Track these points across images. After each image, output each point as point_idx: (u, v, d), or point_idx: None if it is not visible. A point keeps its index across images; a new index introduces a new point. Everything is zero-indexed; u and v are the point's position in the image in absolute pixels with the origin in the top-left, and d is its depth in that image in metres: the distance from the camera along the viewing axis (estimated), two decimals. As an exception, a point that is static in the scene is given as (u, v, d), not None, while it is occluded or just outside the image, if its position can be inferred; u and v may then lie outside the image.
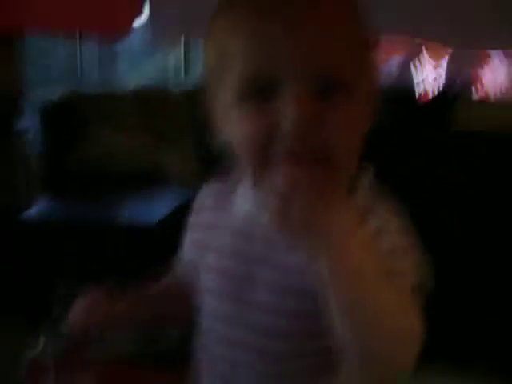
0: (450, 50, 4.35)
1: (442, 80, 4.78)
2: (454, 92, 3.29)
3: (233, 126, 0.72)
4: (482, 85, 4.39)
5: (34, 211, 3.14)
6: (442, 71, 4.74)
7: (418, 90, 5.93)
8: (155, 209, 3.06)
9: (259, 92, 0.68)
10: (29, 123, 4.16)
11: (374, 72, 0.76)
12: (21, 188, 3.68)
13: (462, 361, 2.21)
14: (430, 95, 6.05)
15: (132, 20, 1.62)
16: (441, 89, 4.81)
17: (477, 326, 2.31)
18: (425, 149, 2.44)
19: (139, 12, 1.60)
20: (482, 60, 4.38)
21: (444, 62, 4.72)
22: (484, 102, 3.96)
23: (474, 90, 5.70)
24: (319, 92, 0.67)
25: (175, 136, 4.50)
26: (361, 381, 0.69)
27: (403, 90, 3.82)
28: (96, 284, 0.94)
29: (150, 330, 1.05)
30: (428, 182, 2.42)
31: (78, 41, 4.81)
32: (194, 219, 0.92)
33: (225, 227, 0.84)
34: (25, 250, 2.86)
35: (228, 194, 0.86)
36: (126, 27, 1.64)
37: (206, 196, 0.91)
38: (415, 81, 5.29)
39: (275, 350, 0.78)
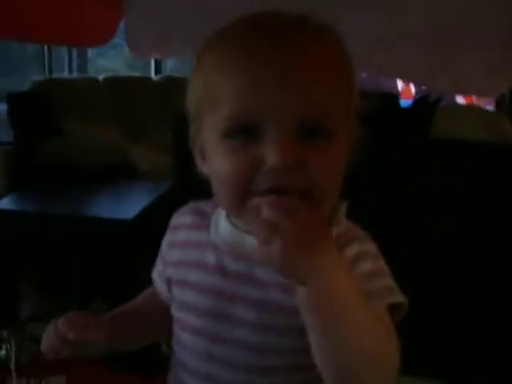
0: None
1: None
2: (436, 96, 3.32)
3: (215, 161, 0.73)
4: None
5: (2, 203, 3.06)
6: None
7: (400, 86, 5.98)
8: (129, 204, 3.01)
9: (244, 131, 0.69)
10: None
11: (355, 117, 0.78)
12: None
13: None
14: (413, 92, 6.09)
15: (111, 31, 1.57)
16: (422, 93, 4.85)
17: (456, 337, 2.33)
18: (405, 155, 2.48)
19: (118, 22, 1.55)
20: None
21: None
22: (468, 107, 4.01)
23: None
24: (303, 135, 0.69)
25: (149, 128, 4.44)
26: None
27: (385, 93, 3.86)
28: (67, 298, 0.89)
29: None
30: (409, 189, 2.45)
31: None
32: (170, 237, 0.91)
33: (207, 245, 0.83)
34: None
35: (207, 215, 0.86)
36: (103, 38, 1.59)
37: (182, 215, 0.91)
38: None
39: (259, 367, 0.78)
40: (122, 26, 1.62)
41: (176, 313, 0.86)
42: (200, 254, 0.82)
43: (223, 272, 0.79)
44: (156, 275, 0.95)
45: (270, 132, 0.68)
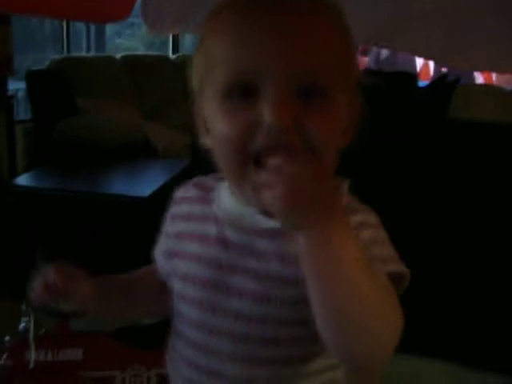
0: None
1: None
2: (454, 76, 3.28)
3: (216, 125, 0.73)
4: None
5: (21, 180, 3.09)
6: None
7: (419, 65, 5.92)
8: (145, 182, 3.03)
9: (241, 92, 0.69)
10: (17, 90, 4.09)
11: (354, 86, 0.77)
12: (6, 155, 3.64)
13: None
14: (431, 73, 6.03)
15: (128, 7, 1.56)
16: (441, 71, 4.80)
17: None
18: (422, 134, 2.46)
19: None
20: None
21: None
22: (486, 87, 3.95)
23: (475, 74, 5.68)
24: (300, 95, 0.68)
25: (166, 107, 4.44)
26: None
27: (404, 73, 3.82)
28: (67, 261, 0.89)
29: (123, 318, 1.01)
30: (426, 168, 2.44)
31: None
32: (174, 210, 0.91)
33: (210, 218, 0.82)
34: (10, 219, 2.82)
35: (210, 189, 0.86)
36: (121, 14, 1.58)
37: (186, 189, 0.90)
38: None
39: (248, 356, 0.78)
40: (138, 3, 1.62)
41: (176, 285, 0.85)
42: (202, 227, 0.82)
43: (224, 243, 0.79)
44: (157, 250, 0.94)
45: (267, 92, 0.67)
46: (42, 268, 0.87)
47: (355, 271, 0.62)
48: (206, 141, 0.78)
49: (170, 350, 0.89)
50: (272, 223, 0.70)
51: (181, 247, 0.85)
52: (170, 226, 0.90)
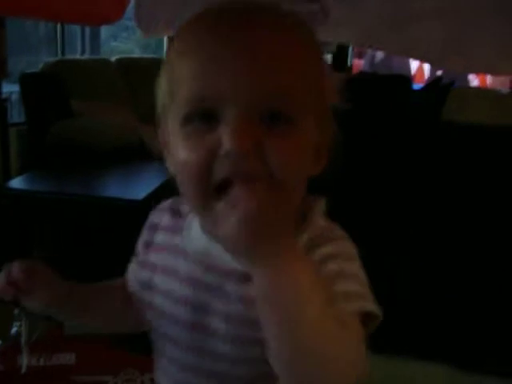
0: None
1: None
2: (449, 79, 3.29)
3: (176, 150, 0.70)
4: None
5: (14, 183, 3.08)
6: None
7: (413, 68, 5.94)
8: (140, 185, 3.03)
9: (202, 115, 0.67)
10: (10, 93, 4.08)
11: (326, 112, 0.74)
12: (1, 158, 3.63)
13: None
14: (426, 76, 6.05)
15: (120, 9, 1.56)
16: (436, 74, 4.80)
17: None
18: (416, 137, 2.46)
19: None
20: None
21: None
22: (481, 90, 3.96)
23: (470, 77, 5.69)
24: (261, 120, 0.65)
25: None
26: None
27: (399, 76, 3.83)
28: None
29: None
30: (419, 172, 2.44)
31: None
32: (147, 236, 0.88)
33: (180, 252, 0.81)
34: (4, 223, 2.81)
35: (183, 217, 0.84)
36: (114, 15, 1.57)
37: (160, 214, 0.88)
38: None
39: (234, 375, 0.77)
40: (132, 7, 1.61)
41: (153, 321, 0.84)
42: (173, 261, 0.80)
43: (195, 283, 0.77)
44: (131, 274, 0.91)
45: (227, 116, 0.65)
46: (7, 263, 0.87)
47: (307, 305, 0.59)
48: (170, 166, 0.75)
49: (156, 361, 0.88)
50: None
51: (155, 281, 0.82)
52: (143, 254, 0.88)
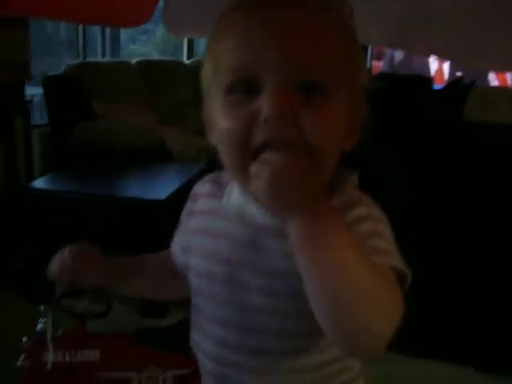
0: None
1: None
2: (469, 79, 3.27)
3: (219, 120, 0.75)
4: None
5: (37, 183, 3.12)
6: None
7: (433, 69, 5.90)
8: (162, 185, 3.05)
9: (244, 87, 0.71)
10: (33, 95, 4.13)
11: (360, 77, 0.78)
12: (24, 159, 3.67)
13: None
14: (445, 77, 6.01)
15: (149, 11, 1.57)
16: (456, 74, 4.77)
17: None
18: (438, 137, 2.45)
19: (156, 1, 1.54)
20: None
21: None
22: (502, 90, 3.93)
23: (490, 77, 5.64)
24: (299, 90, 0.70)
25: (181, 111, 4.46)
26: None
27: (419, 76, 3.81)
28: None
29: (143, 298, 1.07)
30: (439, 173, 2.43)
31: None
32: (190, 205, 0.94)
33: (219, 213, 0.85)
34: (28, 222, 2.85)
35: (224, 184, 0.87)
36: (141, 18, 1.59)
37: (202, 184, 0.93)
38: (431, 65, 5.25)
39: (258, 347, 0.81)
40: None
41: (192, 280, 0.89)
42: (212, 222, 0.85)
43: (231, 239, 0.81)
44: (174, 245, 0.98)
45: (266, 86, 0.69)
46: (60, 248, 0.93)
47: (345, 255, 0.62)
48: (212, 139, 0.80)
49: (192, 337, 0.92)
50: (275, 220, 0.71)
51: (194, 243, 0.88)
52: (185, 222, 0.94)
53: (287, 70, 0.69)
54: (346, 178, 0.80)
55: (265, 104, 0.68)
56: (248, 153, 0.70)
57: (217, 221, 0.84)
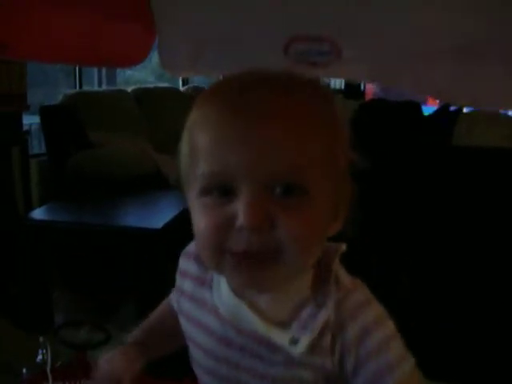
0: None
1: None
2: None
3: (194, 218, 0.74)
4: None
5: (36, 214, 3.14)
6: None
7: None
8: (159, 213, 3.06)
9: (220, 189, 0.70)
10: (30, 124, 4.17)
11: (342, 175, 0.76)
12: (21, 189, 3.69)
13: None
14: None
15: (145, 51, 1.60)
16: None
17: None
18: (427, 162, 2.48)
19: (152, 41, 1.57)
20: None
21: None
22: (492, 114, 3.95)
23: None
24: (276, 193, 0.68)
25: (178, 138, 4.49)
26: None
27: (409, 102, 3.85)
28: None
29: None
30: (431, 196, 2.46)
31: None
32: (179, 282, 0.91)
33: (211, 309, 0.83)
34: (25, 253, 2.86)
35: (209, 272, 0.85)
36: (138, 58, 1.62)
37: (187, 261, 0.90)
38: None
39: None
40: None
41: (191, 350, 0.87)
42: (205, 316, 0.83)
43: (228, 343, 0.79)
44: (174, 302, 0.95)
45: (242, 190, 0.68)
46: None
47: None
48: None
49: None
50: (268, 333, 0.75)
51: (187, 330, 0.86)
52: (178, 299, 0.91)
53: (264, 175, 0.67)
54: (333, 255, 0.79)
55: (240, 212, 0.68)
56: (224, 254, 0.71)
57: (209, 317, 0.82)
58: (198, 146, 0.72)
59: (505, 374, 2.19)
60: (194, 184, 0.73)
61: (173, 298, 0.95)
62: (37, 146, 4.43)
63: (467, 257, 2.42)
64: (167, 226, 2.64)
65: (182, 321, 0.88)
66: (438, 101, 6.06)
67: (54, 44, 1.29)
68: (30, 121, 4.24)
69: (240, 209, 0.68)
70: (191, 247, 0.89)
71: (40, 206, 3.46)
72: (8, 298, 2.79)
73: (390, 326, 0.75)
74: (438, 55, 1.53)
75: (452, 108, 3.26)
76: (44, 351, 1.63)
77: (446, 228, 2.44)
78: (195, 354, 0.85)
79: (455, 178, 2.43)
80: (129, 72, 6.83)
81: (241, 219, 0.67)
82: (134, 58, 1.56)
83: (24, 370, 1.65)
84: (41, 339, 1.65)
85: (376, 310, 0.75)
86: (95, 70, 5.50)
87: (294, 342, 0.73)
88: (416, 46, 1.53)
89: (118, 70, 6.12)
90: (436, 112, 3.66)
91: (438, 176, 2.46)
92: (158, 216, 2.88)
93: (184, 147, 0.77)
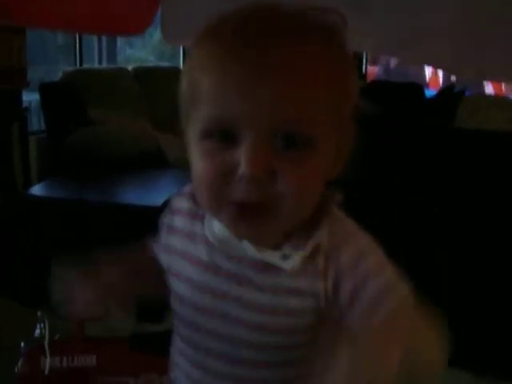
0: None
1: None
2: (462, 86, 3.28)
3: (194, 161, 0.72)
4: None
5: (34, 190, 3.13)
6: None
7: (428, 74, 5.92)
8: (158, 191, 3.06)
9: (222, 134, 0.68)
10: (30, 101, 4.15)
11: (346, 128, 0.74)
12: (20, 166, 3.69)
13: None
14: (440, 82, 6.03)
15: (148, 19, 1.58)
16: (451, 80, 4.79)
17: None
18: (429, 144, 2.47)
19: (155, 9, 1.55)
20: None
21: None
22: (494, 98, 3.93)
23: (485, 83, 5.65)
24: (278, 144, 0.67)
25: (177, 117, 4.48)
26: None
27: (411, 84, 3.81)
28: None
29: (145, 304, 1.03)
30: (429, 178, 2.45)
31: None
32: (168, 220, 0.88)
33: (201, 239, 0.81)
34: (25, 228, 2.86)
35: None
36: (141, 26, 1.60)
37: (180, 200, 0.87)
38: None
39: (241, 376, 0.79)
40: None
41: (173, 304, 0.84)
42: (193, 247, 0.81)
43: (216, 270, 0.78)
44: (157, 249, 0.90)
45: (245, 137, 0.66)
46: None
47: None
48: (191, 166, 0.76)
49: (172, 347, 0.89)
50: (259, 254, 0.73)
51: (174, 265, 0.84)
52: (164, 237, 0.88)
53: (268, 123, 0.66)
54: (329, 199, 0.77)
55: (242, 161, 0.66)
56: (223, 200, 0.69)
57: (197, 246, 0.80)
58: (200, 88, 0.69)
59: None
60: (195, 124, 0.71)
61: (155, 244, 0.91)
62: (36, 123, 4.41)
63: (467, 238, 2.41)
64: (167, 203, 2.63)
65: (168, 258, 0.85)
66: (440, 84, 6.09)
67: (55, 10, 1.28)
68: (30, 98, 4.21)
69: (242, 157, 0.66)
70: (186, 188, 0.86)
71: (39, 182, 3.45)
72: (6, 273, 2.79)
73: (382, 253, 0.74)
74: (439, 28, 1.52)
75: (456, 89, 3.25)
76: (42, 325, 1.64)
77: (447, 210, 2.44)
78: (178, 287, 0.82)
79: (457, 161, 2.42)
80: (129, 51, 6.80)
81: (242, 168, 0.66)
82: (136, 27, 1.54)
83: (22, 344, 1.65)
84: (39, 314, 1.65)
85: (368, 237, 0.75)
86: (95, 46, 5.47)
87: (286, 257, 0.72)
88: (423, 19, 1.51)
89: (119, 49, 6.09)
90: (438, 94, 3.64)
91: (440, 158, 2.45)
92: (158, 193, 2.87)
93: (184, 77, 0.74)
